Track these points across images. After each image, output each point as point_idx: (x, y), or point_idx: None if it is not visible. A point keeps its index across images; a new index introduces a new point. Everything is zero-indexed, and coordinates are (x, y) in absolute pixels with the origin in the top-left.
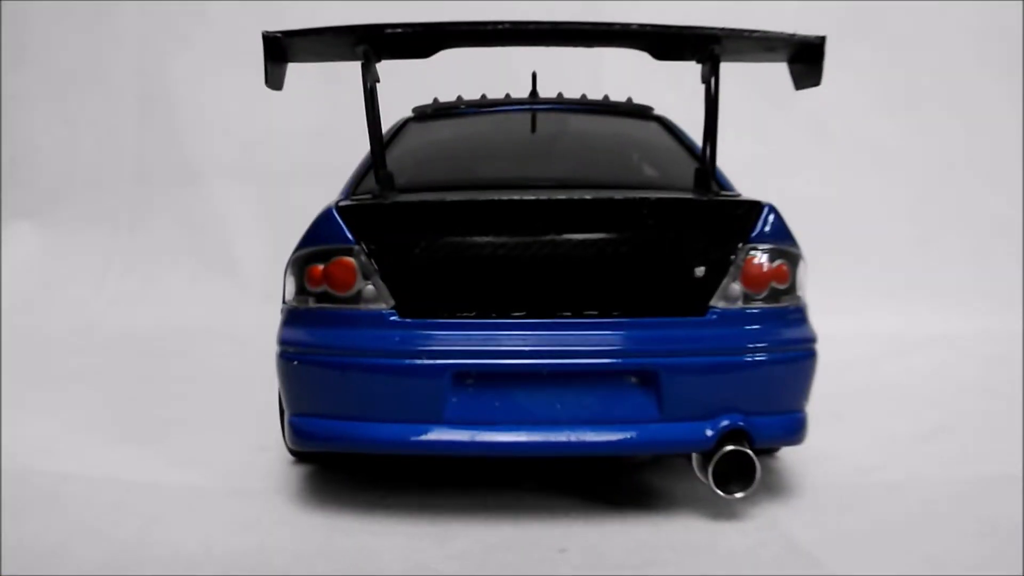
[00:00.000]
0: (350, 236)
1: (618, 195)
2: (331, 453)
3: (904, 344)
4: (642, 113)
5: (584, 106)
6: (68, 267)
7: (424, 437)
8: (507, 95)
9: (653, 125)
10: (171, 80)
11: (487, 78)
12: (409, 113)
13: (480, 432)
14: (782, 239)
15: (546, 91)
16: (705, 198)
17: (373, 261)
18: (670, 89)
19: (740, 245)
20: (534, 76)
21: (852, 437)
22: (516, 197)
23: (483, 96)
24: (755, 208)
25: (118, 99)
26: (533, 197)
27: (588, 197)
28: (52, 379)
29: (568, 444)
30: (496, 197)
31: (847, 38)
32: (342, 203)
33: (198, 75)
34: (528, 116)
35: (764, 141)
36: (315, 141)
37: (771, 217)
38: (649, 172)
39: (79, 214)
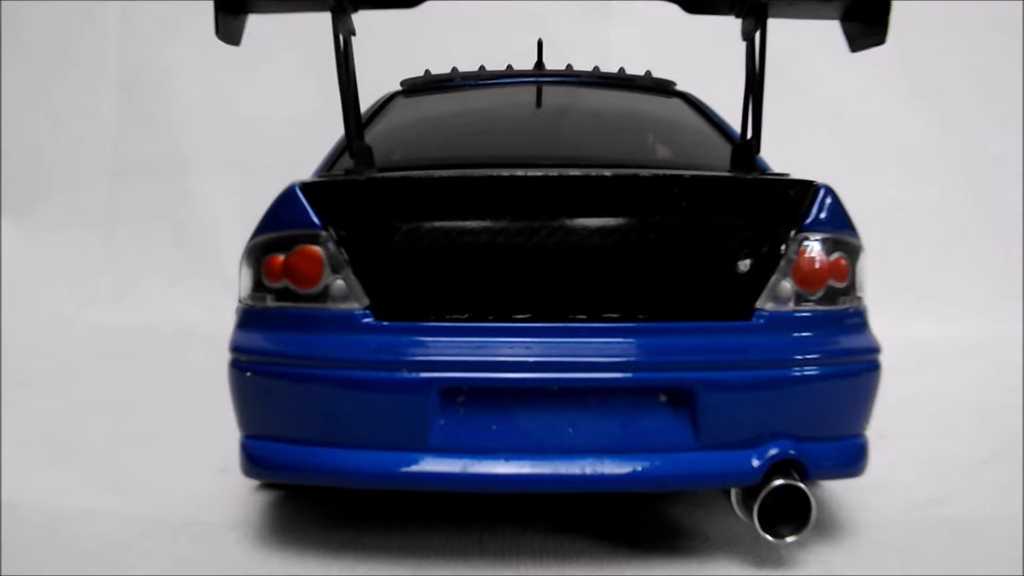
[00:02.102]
0: (316, 220)
1: (644, 172)
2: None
3: (937, 353)
4: (663, 88)
5: (597, 79)
6: (41, 263)
7: (404, 469)
8: (509, 67)
9: (676, 101)
10: (152, 69)
11: (486, 51)
12: (397, 87)
13: (473, 462)
14: (841, 227)
15: (552, 65)
16: (749, 176)
17: (344, 250)
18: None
19: (792, 234)
20: (540, 44)
21: (902, 462)
22: (520, 173)
23: (481, 68)
24: (809, 189)
25: (96, 88)
26: (541, 173)
27: (608, 174)
28: (3, 384)
29: (582, 478)
30: (495, 173)
31: None
32: (307, 180)
33: (180, 63)
34: (533, 90)
35: (778, 133)
36: (304, 131)
37: (828, 200)
38: (674, 153)
39: (54, 208)
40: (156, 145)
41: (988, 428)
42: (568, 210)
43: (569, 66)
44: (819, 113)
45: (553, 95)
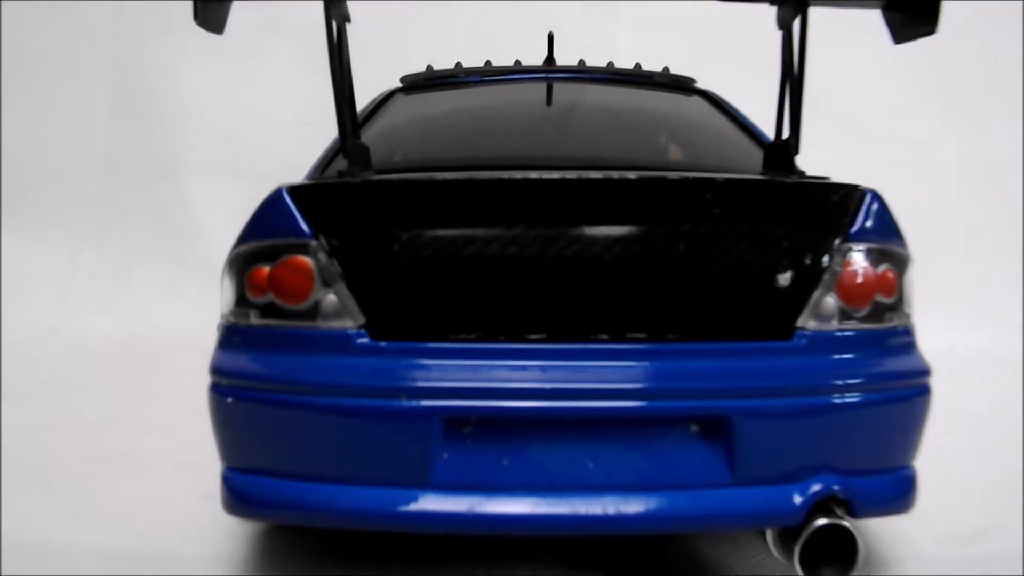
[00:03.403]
0: (305, 227)
1: (672, 175)
2: None
3: (956, 362)
4: (682, 85)
5: (611, 75)
6: (31, 268)
7: (404, 508)
8: (517, 62)
9: (696, 100)
10: (146, 68)
11: (492, 51)
12: (397, 84)
13: (482, 501)
14: (888, 236)
15: (563, 61)
16: (788, 180)
17: (336, 261)
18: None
19: (837, 243)
20: (550, 39)
21: (936, 487)
22: (535, 176)
23: (487, 64)
24: (854, 194)
25: (88, 88)
26: (558, 176)
27: (632, 177)
28: None
29: (604, 519)
30: (507, 176)
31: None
32: (296, 183)
33: (175, 63)
34: (542, 87)
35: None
36: (303, 134)
37: (875, 206)
38: (697, 155)
39: (44, 211)
40: (149, 147)
41: (1016, 444)
42: (588, 217)
43: (581, 62)
44: (824, 111)
45: (565, 92)
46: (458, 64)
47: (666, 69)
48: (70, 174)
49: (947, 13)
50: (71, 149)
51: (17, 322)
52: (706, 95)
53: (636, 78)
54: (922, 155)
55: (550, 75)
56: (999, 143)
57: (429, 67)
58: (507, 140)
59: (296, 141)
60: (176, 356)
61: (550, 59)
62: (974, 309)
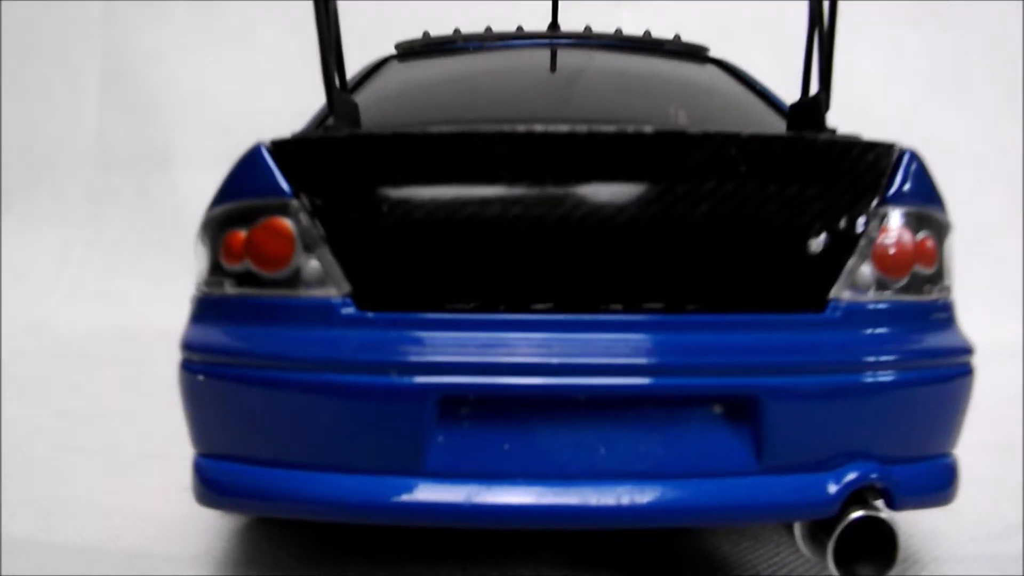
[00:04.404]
0: (286, 185)
1: (694, 130)
2: None
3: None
4: (695, 54)
5: (620, 43)
6: (20, 260)
7: (394, 498)
8: (519, 28)
9: (711, 68)
10: (136, 55)
11: (491, 13)
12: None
13: (481, 490)
14: (928, 199)
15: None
16: (819, 136)
17: (319, 223)
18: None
19: (873, 206)
20: (555, 3)
21: (966, 481)
22: (541, 128)
23: (488, 29)
24: (891, 153)
25: (78, 76)
26: (568, 129)
27: (649, 131)
28: None
29: (617, 511)
30: (510, 128)
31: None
32: (277, 138)
33: (167, 49)
34: (546, 54)
35: None
36: (295, 123)
37: (914, 166)
38: (714, 125)
39: (34, 202)
40: (141, 136)
41: None
42: (601, 174)
43: (588, 28)
44: (833, 105)
45: (570, 59)
46: (456, 30)
47: (677, 37)
48: (60, 164)
49: (959, 6)
50: (61, 139)
51: (3, 314)
52: (721, 64)
53: (646, 45)
54: (934, 151)
55: (554, 41)
56: (1011, 137)
57: (425, 34)
58: (508, 107)
59: (288, 130)
60: (164, 348)
61: (554, 25)
62: (992, 303)
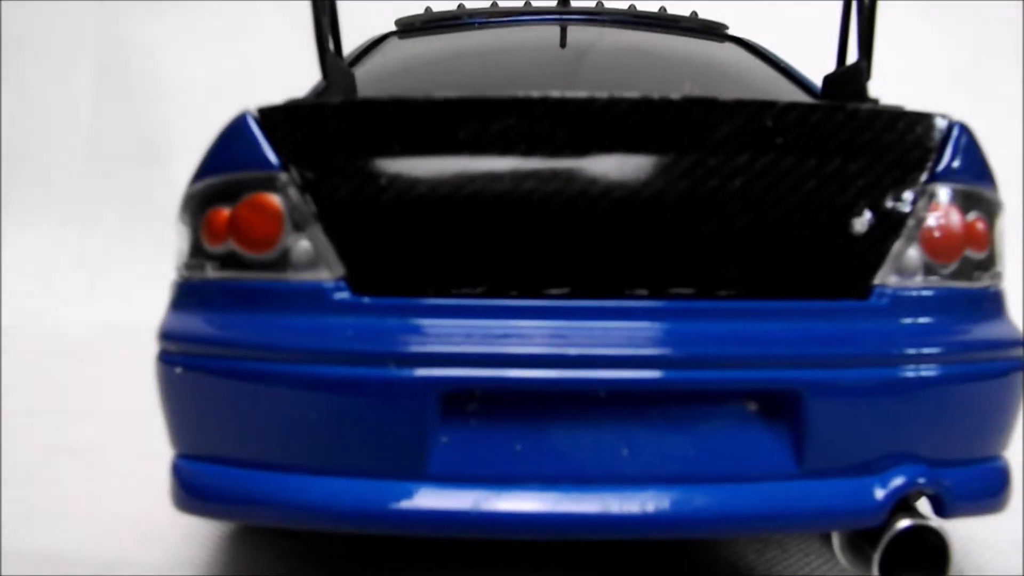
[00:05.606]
0: (273, 158)
1: (725, 97)
2: None
3: None
4: (714, 31)
5: (634, 18)
6: (12, 256)
7: (394, 505)
8: (526, 2)
9: (730, 46)
10: (131, 47)
11: None
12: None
13: (489, 496)
14: (979, 177)
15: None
16: (862, 106)
17: (310, 199)
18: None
19: (921, 183)
20: None
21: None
22: (557, 94)
23: (493, 3)
24: (940, 125)
25: (72, 67)
26: (586, 95)
27: (676, 97)
28: None
29: (642, 519)
30: (523, 94)
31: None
32: (264, 106)
33: (162, 43)
34: (555, 29)
35: None
36: None
37: (964, 140)
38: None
39: (23, 196)
40: (136, 129)
41: None
42: (623, 145)
43: (600, 3)
44: None
45: (581, 35)
46: (460, 5)
47: (694, 14)
48: (54, 159)
49: (977, 4)
50: (54, 132)
51: None
52: (741, 41)
53: (662, 21)
54: None
55: (564, 17)
56: None
57: (428, 9)
58: (514, 84)
59: None
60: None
61: (564, 0)
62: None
